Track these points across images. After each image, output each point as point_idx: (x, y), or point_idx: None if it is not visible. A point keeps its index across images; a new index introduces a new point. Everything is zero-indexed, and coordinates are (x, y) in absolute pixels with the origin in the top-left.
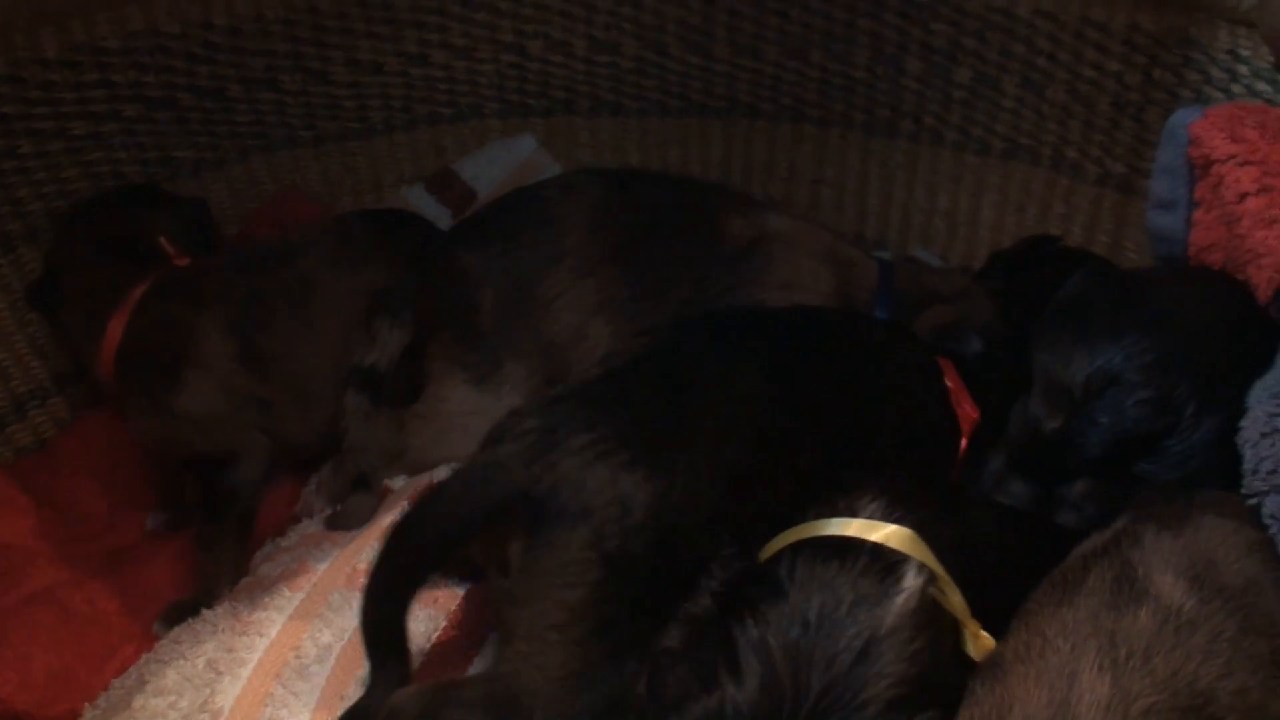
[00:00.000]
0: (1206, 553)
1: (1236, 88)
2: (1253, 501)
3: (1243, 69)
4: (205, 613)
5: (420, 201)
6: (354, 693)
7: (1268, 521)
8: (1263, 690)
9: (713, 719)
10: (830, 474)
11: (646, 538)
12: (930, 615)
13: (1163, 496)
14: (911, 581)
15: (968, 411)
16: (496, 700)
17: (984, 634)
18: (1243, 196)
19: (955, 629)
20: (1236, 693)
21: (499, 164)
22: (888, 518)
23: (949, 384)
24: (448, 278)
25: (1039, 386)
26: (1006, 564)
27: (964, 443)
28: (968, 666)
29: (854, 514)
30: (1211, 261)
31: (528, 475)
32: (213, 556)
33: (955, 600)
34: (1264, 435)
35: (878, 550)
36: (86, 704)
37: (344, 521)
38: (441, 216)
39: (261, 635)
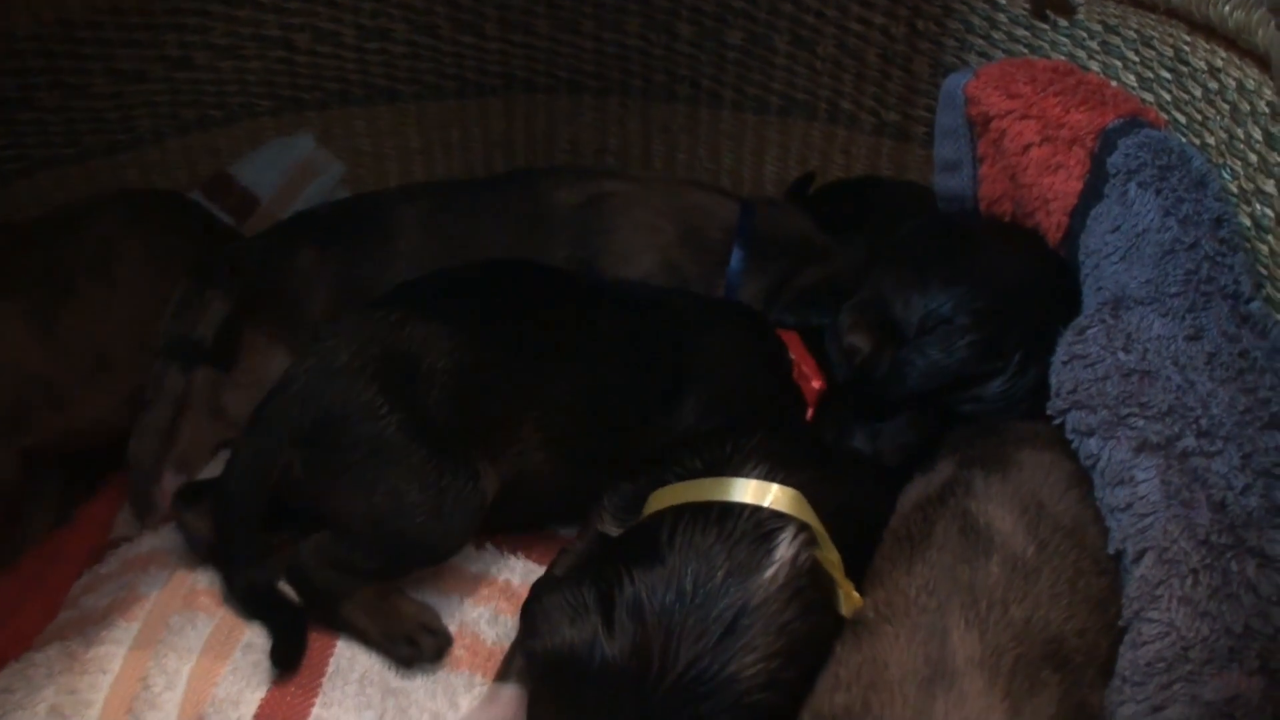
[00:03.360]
0: (1034, 492)
1: (997, 34)
2: (1057, 421)
3: (1001, 17)
4: (36, 655)
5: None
6: (210, 712)
7: (1070, 436)
8: (1097, 630)
9: (580, 657)
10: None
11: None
12: (806, 583)
13: (978, 433)
14: (785, 551)
15: (812, 384)
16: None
17: (854, 593)
18: (1026, 148)
19: (832, 588)
20: (1079, 633)
21: (276, 166)
22: (772, 478)
23: (793, 357)
24: (279, 265)
25: (865, 317)
26: (874, 518)
27: (810, 412)
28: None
29: (738, 473)
30: (1001, 212)
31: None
32: None
33: (833, 559)
34: (1064, 362)
35: (757, 516)
36: None
37: None
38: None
39: (104, 672)
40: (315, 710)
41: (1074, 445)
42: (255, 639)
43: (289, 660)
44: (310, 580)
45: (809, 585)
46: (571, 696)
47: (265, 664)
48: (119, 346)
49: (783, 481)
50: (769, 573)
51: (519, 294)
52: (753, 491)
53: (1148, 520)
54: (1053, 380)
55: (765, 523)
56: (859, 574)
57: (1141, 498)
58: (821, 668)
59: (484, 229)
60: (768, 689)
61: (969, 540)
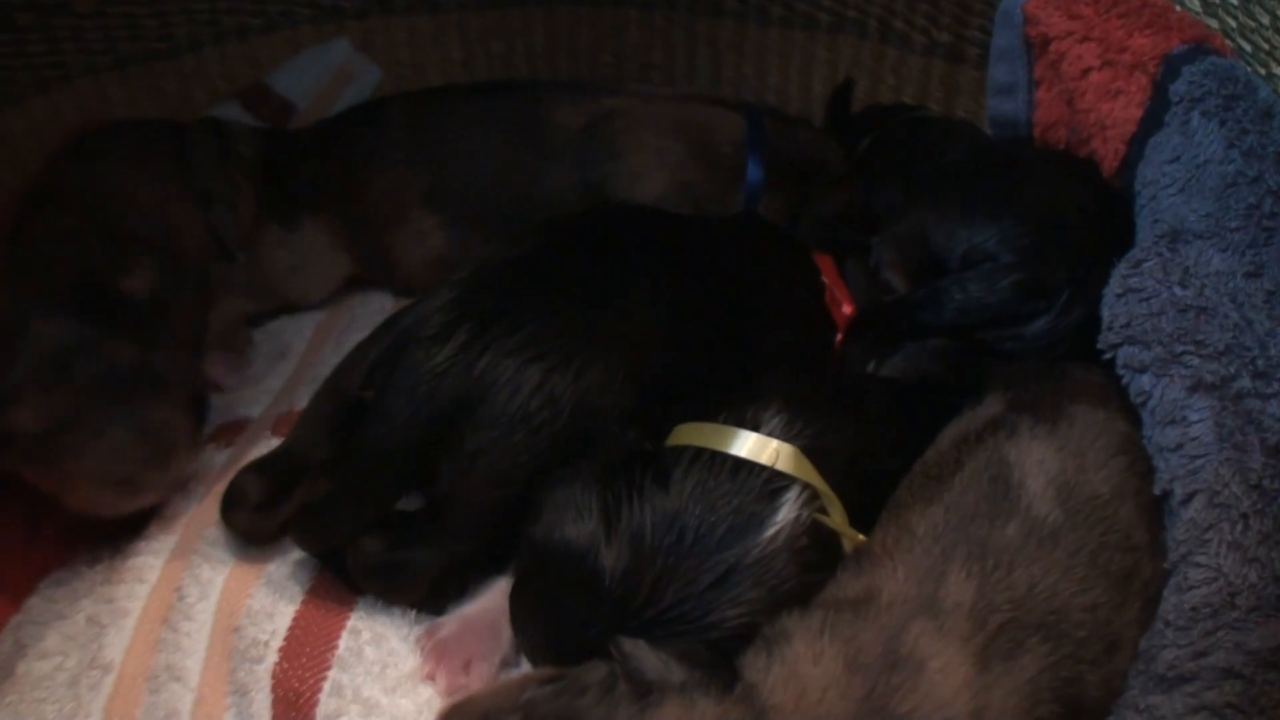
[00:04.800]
0: (1077, 455)
1: None
2: (1107, 356)
3: None
4: (77, 566)
5: (236, 118)
6: (245, 623)
7: (1121, 372)
8: (1111, 607)
9: (572, 561)
10: (719, 379)
11: (571, 438)
12: (806, 543)
13: (1035, 375)
14: (787, 513)
15: (844, 309)
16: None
17: (860, 536)
18: (1085, 72)
19: (836, 540)
20: (1088, 608)
21: (313, 73)
22: (786, 433)
23: (825, 280)
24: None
25: (904, 254)
26: (888, 469)
27: (839, 338)
28: None
29: (757, 426)
30: (1055, 139)
31: (465, 381)
32: None
33: (836, 517)
34: (1118, 295)
35: (766, 474)
36: None
37: None
38: None
39: (141, 582)
40: (351, 621)
41: (1124, 382)
42: (290, 551)
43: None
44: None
45: (809, 545)
46: (554, 596)
47: (300, 576)
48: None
49: (798, 433)
50: (768, 533)
51: (606, 242)
52: (765, 449)
53: (1199, 462)
54: (1105, 314)
55: (772, 481)
56: (871, 520)
57: (1193, 439)
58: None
59: (475, 139)
60: (740, 634)
61: (995, 492)
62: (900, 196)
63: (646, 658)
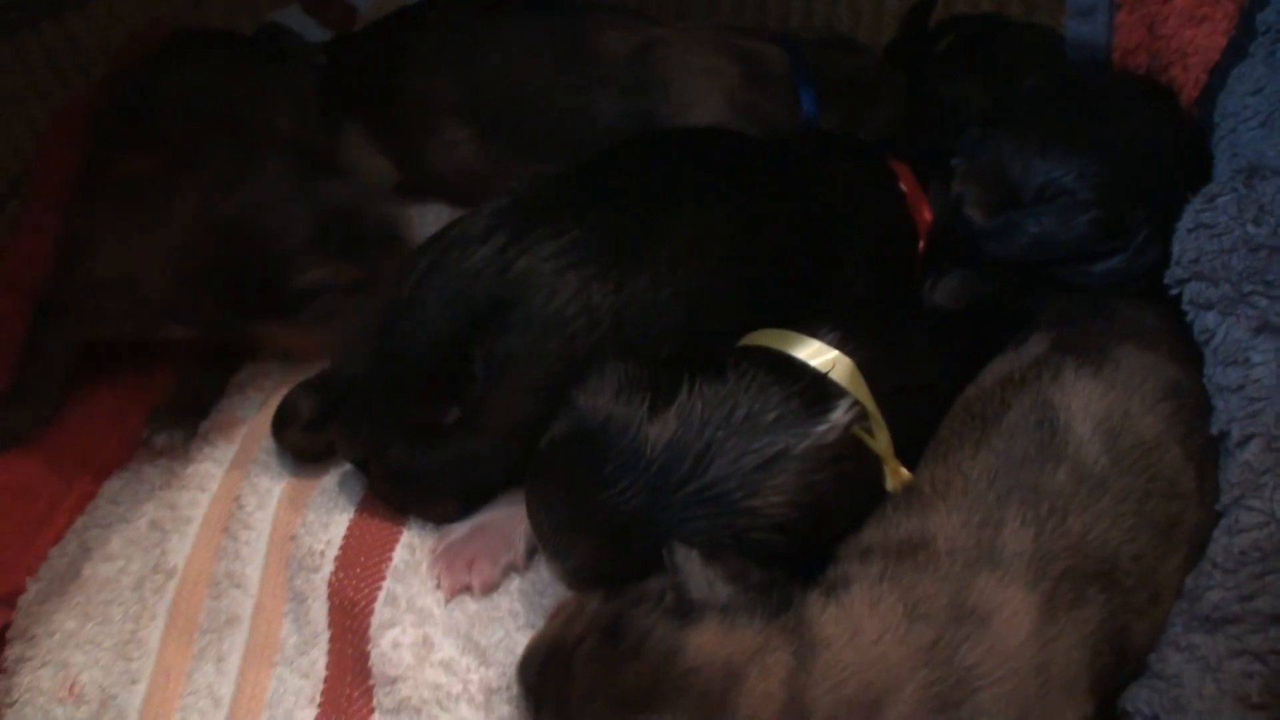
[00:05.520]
0: (1123, 400)
1: None
2: (1174, 290)
3: None
4: (142, 470)
5: (298, 23)
6: (302, 533)
7: (1186, 309)
8: (1154, 556)
9: (613, 430)
10: (798, 295)
11: (615, 344)
12: (847, 454)
13: (1081, 312)
14: (838, 417)
15: (924, 215)
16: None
17: (904, 470)
18: None
19: (876, 466)
20: (1135, 557)
21: None
22: (841, 346)
23: (905, 189)
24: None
25: (986, 191)
26: (932, 403)
27: (921, 245)
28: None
29: (815, 334)
30: (1135, 65)
31: (500, 282)
32: None
33: (882, 440)
34: (1189, 230)
35: (819, 379)
36: (29, 578)
37: None
38: (322, 38)
39: (202, 490)
40: (405, 535)
41: (1189, 318)
42: (344, 464)
43: None
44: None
45: (850, 457)
46: (591, 462)
47: (355, 486)
48: None
49: (850, 352)
50: (818, 429)
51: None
52: (823, 357)
53: (1259, 405)
54: (1175, 248)
55: (826, 387)
56: (913, 452)
57: (1255, 381)
58: (836, 538)
59: (515, 57)
60: (777, 532)
61: (1043, 436)
62: (978, 109)
63: (695, 574)
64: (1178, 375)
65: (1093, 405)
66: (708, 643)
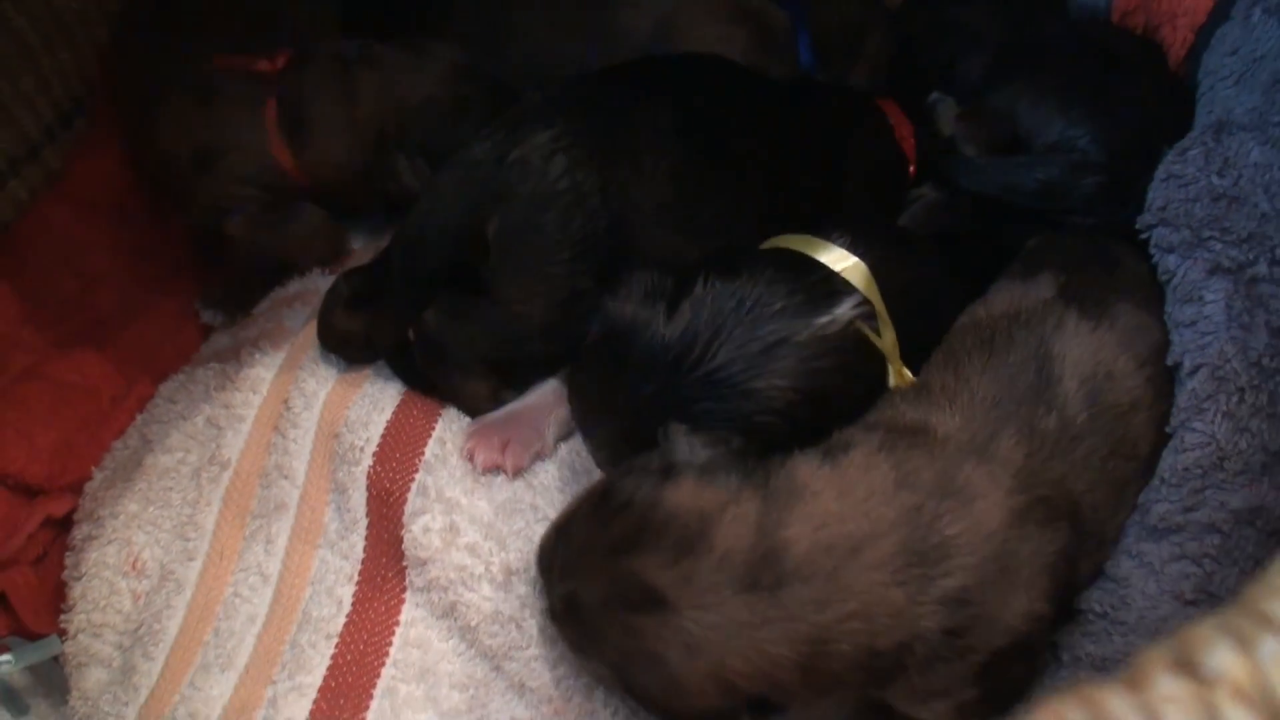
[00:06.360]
0: (1110, 360)
1: None
2: (1144, 236)
3: None
4: (198, 372)
5: None
6: (344, 431)
7: (1153, 252)
8: (1106, 509)
9: (637, 329)
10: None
11: (605, 220)
12: (850, 347)
13: (1092, 257)
14: (844, 311)
15: (912, 144)
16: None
17: (907, 372)
18: None
19: (880, 363)
20: (1093, 507)
21: None
22: (852, 250)
23: (892, 121)
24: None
25: (994, 128)
26: (937, 303)
27: (913, 170)
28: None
29: (827, 237)
30: (1134, 25)
31: (498, 168)
32: None
33: (888, 339)
34: (1162, 180)
35: (829, 276)
36: (94, 468)
37: None
38: None
39: (254, 392)
40: (437, 431)
41: (1154, 260)
42: (383, 370)
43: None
44: (433, 344)
45: (852, 350)
46: (617, 358)
47: (391, 391)
48: None
49: (860, 256)
50: (821, 320)
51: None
52: (833, 256)
53: (1207, 339)
54: (1148, 195)
55: (833, 283)
56: (919, 351)
57: (1206, 317)
58: (836, 427)
59: (540, 34)
60: (778, 415)
61: (1040, 383)
62: (989, 36)
63: (680, 441)
64: (1162, 338)
65: (1084, 362)
66: (685, 495)
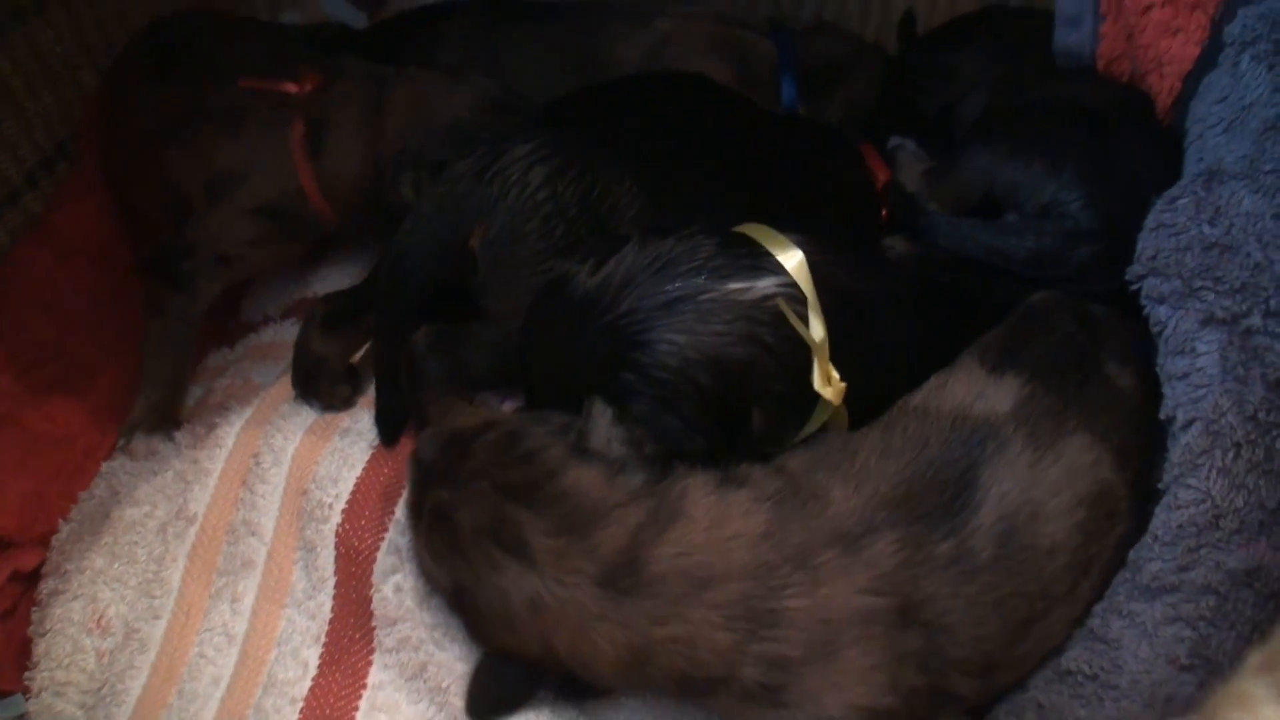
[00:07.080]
0: (1039, 502)
1: None
2: (1134, 287)
3: None
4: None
5: (333, 8)
6: (313, 487)
7: (1144, 303)
8: (997, 641)
9: (569, 284)
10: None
11: (586, 228)
12: (765, 320)
13: (1066, 365)
14: (765, 285)
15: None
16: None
17: (835, 374)
18: (1147, 8)
19: (803, 354)
20: (976, 639)
21: None
22: (800, 246)
23: (869, 163)
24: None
25: (963, 191)
26: (879, 320)
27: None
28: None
29: (781, 232)
30: (1119, 72)
31: (481, 181)
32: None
33: (815, 329)
34: (1151, 229)
35: (761, 254)
36: (61, 519)
37: None
38: (357, 19)
39: (221, 447)
40: (407, 491)
41: (1145, 311)
42: (353, 425)
43: (391, 435)
44: (421, 366)
45: (768, 325)
46: (545, 305)
47: (361, 446)
48: None
49: (806, 253)
50: (729, 286)
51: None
52: (778, 244)
53: (1201, 391)
54: (1139, 245)
55: (764, 262)
56: (851, 367)
57: (1199, 369)
58: (748, 407)
59: (532, 68)
60: (677, 375)
61: (953, 506)
62: (978, 81)
63: (600, 427)
64: (1109, 477)
65: (1009, 498)
66: (588, 481)
